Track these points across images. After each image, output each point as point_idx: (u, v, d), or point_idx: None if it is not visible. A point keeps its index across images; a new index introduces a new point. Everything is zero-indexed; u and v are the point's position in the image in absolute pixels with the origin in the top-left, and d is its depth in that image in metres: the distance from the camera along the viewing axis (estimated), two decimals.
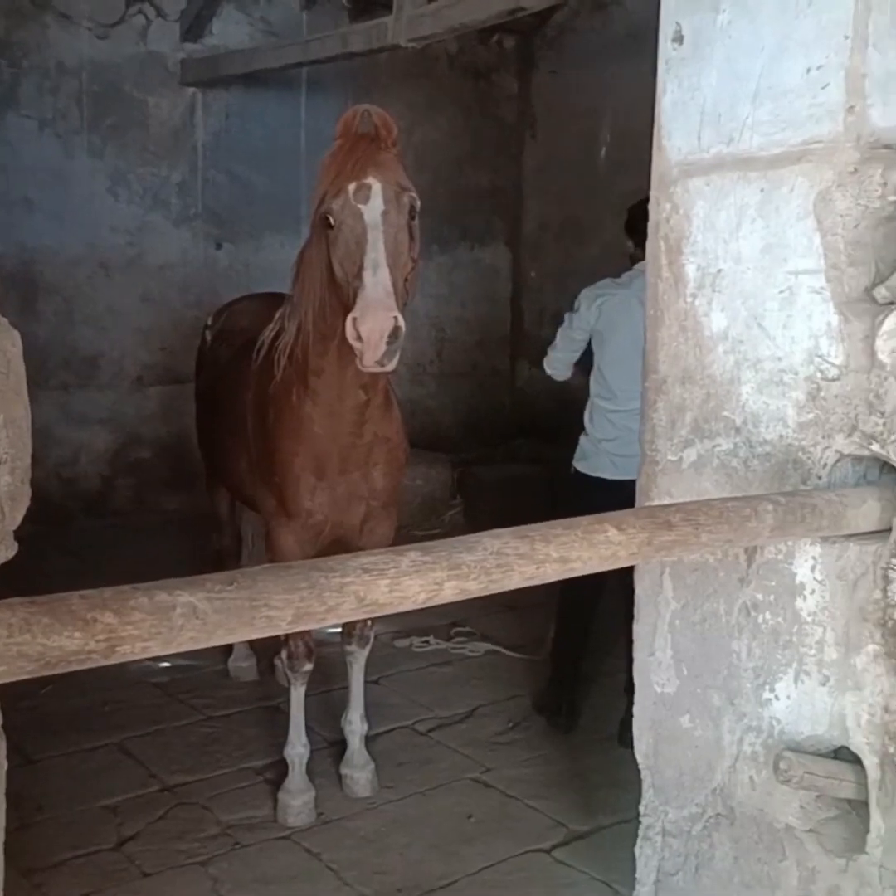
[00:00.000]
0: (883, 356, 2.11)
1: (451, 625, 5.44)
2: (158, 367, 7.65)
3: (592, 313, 4.27)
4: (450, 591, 1.64)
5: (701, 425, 2.53)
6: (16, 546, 1.25)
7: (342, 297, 3.01)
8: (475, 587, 1.68)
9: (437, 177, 8.71)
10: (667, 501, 2.47)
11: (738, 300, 2.42)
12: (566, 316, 4.44)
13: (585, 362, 4.48)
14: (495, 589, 1.71)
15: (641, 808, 2.78)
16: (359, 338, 2.81)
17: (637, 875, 2.81)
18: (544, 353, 4.56)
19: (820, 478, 2.27)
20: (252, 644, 4.80)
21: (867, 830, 2.19)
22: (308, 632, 3.70)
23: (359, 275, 2.85)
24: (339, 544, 3.53)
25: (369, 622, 3.87)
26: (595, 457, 4.30)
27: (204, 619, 1.39)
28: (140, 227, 7.56)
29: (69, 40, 7.14)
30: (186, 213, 7.75)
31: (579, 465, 4.37)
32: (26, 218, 7.09)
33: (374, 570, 1.57)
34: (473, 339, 9.28)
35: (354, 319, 2.82)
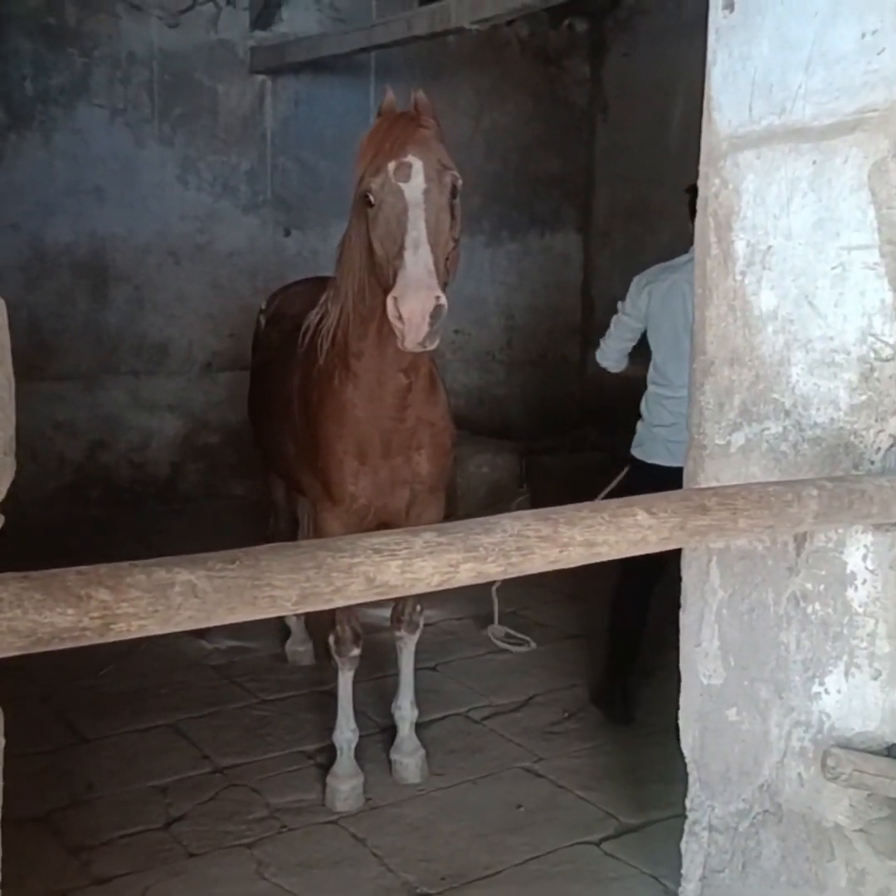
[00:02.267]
0: None
1: (512, 613, 5.38)
2: (226, 354, 7.69)
3: (643, 300, 4.20)
4: (466, 573, 1.60)
5: (749, 408, 2.44)
6: (2, 518, 1.23)
7: (382, 278, 2.96)
8: (493, 570, 1.63)
9: (507, 163, 8.65)
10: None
11: (788, 278, 2.33)
12: (619, 304, 4.37)
13: (644, 352, 4.39)
14: (515, 572, 1.66)
15: (688, 803, 2.71)
16: (400, 318, 2.77)
17: (683, 871, 2.74)
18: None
19: (873, 462, 2.18)
20: (309, 628, 4.81)
21: None
22: (355, 616, 3.68)
23: (399, 254, 2.79)
24: (385, 529, 3.49)
25: (419, 607, 3.84)
26: (650, 443, 4.23)
27: (203, 597, 1.36)
28: (209, 214, 7.61)
29: (139, 30, 7.20)
30: (255, 200, 7.79)
31: (636, 451, 4.31)
32: (97, 206, 7.17)
33: (384, 550, 1.53)
34: (543, 326, 9.19)
35: (395, 299, 2.76)
